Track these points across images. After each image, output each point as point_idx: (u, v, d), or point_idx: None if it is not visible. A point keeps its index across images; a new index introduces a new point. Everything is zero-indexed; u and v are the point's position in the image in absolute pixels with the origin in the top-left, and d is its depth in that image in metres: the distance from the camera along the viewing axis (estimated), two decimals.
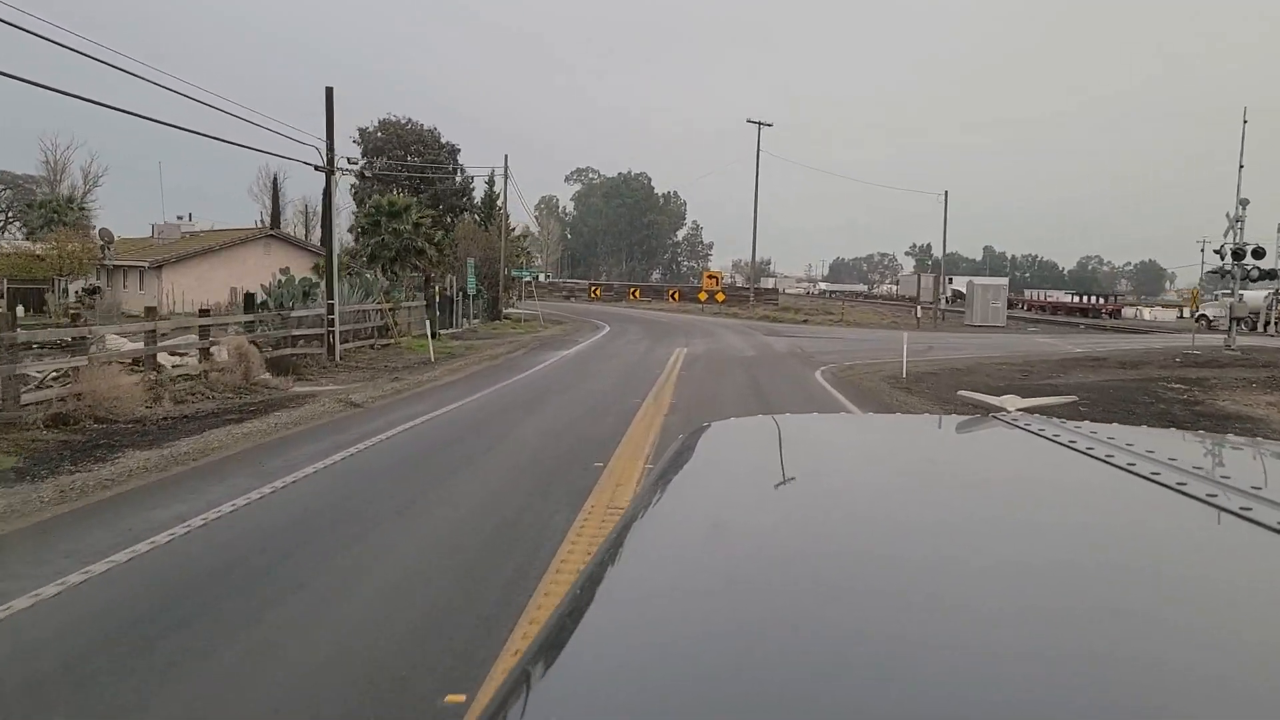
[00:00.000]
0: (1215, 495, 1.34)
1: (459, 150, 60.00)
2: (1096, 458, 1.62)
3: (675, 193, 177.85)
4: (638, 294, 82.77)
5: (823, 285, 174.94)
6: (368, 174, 27.39)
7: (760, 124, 69.22)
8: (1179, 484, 1.40)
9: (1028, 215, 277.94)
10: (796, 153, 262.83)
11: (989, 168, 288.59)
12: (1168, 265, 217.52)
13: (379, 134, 59.87)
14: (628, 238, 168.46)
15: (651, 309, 74.93)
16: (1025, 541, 1.31)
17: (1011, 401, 2.43)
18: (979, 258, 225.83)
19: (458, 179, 61.03)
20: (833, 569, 1.19)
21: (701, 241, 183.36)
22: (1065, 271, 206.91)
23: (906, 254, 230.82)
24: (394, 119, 60.32)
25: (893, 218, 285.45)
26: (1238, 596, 1.10)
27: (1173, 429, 2.29)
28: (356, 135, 60.73)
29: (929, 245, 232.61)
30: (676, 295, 77.00)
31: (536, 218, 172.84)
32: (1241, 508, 1.27)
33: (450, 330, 40.54)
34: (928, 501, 1.55)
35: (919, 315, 52.28)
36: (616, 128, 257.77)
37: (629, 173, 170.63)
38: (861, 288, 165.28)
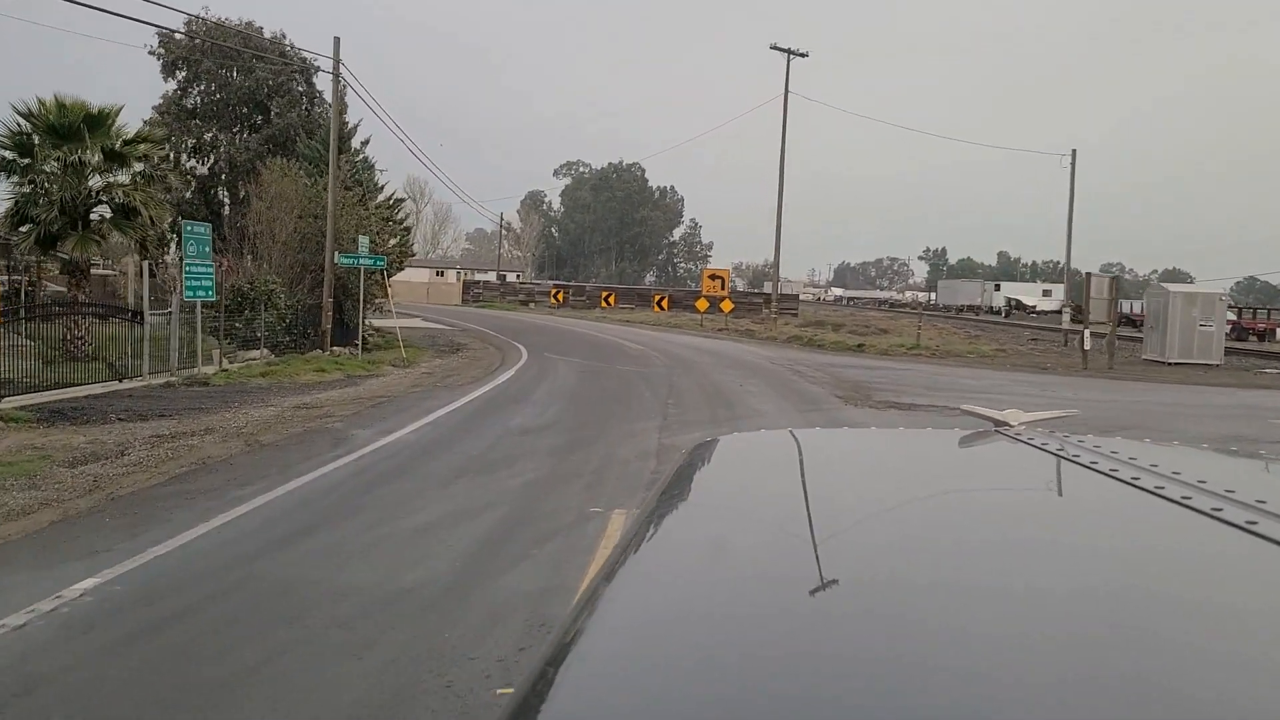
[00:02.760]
0: (1220, 510, 1.28)
1: (316, 69, 35.66)
2: (1100, 472, 1.57)
3: (672, 187, 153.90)
4: (613, 300, 58.51)
5: (837, 291, 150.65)
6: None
7: (790, 53, 45.06)
8: (1184, 498, 1.35)
9: (1043, 221, 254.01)
10: (803, 164, 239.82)
11: (1002, 173, 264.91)
12: (1198, 275, 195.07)
13: (195, 39, 35.57)
14: (618, 235, 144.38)
15: (628, 323, 50.71)
16: (1034, 560, 1.26)
17: (1014, 415, 2.22)
18: (994, 263, 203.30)
19: (313, 109, 36.73)
20: (836, 589, 1.13)
21: (700, 241, 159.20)
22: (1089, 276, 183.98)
23: (920, 258, 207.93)
24: (214, 19, 36.00)
25: (899, 221, 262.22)
26: (1243, 611, 1.08)
27: (1176, 443, 2.13)
28: (155, 45, 36.44)
29: (943, 249, 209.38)
30: (665, 303, 52.84)
31: (519, 213, 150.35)
32: (1247, 521, 1.24)
33: (80, 390, 16.35)
34: (934, 520, 1.49)
35: (1086, 345, 28.27)
36: (612, 120, 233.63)
37: (620, 163, 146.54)
38: (879, 294, 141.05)
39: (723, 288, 48.63)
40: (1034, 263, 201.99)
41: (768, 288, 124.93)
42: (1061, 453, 1.73)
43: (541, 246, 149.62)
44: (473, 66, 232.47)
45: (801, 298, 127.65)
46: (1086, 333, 28.41)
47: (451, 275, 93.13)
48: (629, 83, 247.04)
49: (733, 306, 48.39)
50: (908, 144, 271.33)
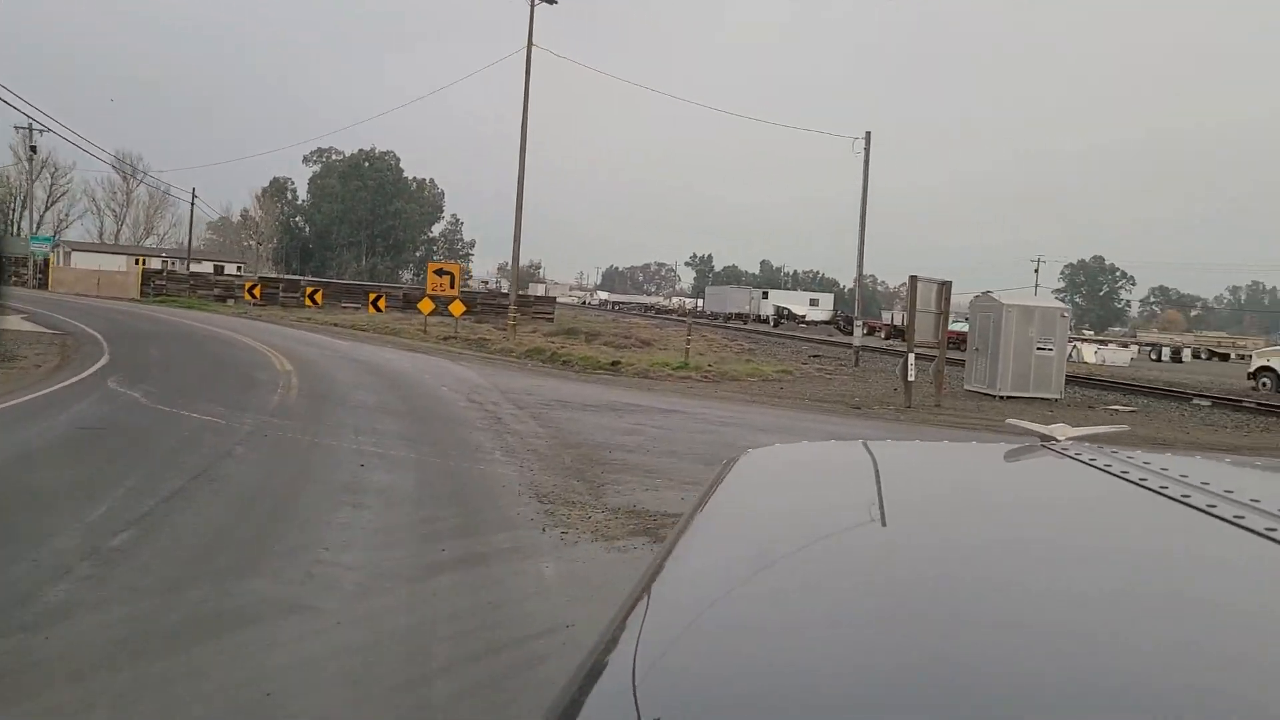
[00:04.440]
0: (1275, 530, 1.21)
1: None
2: (1150, 489, 1.49)
3: (431, 180, 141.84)
4: (320, 297, 46.93)
5: (602, 295, 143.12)
6: None
7: None
8: (1236, 517, 1.29)
9: (803, 230, 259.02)
10: (562, 161, 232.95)
11: (765, 183, 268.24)
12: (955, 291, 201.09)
13: None
14: (369, 228, 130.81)
15: (332, 326, 39.61)
16: (1079, 579, 1.19)
17: (1062, 430, 2.10)
18: (757, 271, 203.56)
19: None
20: (880, 612, 1.06)
21: (461, 238, 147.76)
22: (845, 290, 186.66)
23: (686, 264, 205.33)
24: None
25: (668, 227, 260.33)
26: None
27: (1227, 458, 2.05)
28: None
29: (710, 256, 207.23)
30: (382, 302, 41.98)
31: (258, 201, 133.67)
32: None
33: None
34: (978, 536, 1.41)
35: (909, 374, 20.29)
36: (369, 106, 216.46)
37: (372, 150, 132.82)
38: (646, 299, 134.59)
39: (451, 285, 38.55)
40: (795, 272, 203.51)
41: (535, 290, 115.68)
42: (1110, 469, 1.67)
43: (286, 238, 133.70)
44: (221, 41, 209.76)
45: (565, 301, 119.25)
46: (911, 358, 20.39)
47: (155, 263, 78.30)
48: (391, 70, 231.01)
49: (464, 309, 38.43)
50: (682, 138, 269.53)
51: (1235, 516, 1.29)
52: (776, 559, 1.26)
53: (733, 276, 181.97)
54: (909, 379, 20.43)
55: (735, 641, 0.98)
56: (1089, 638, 0.97)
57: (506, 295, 69.97)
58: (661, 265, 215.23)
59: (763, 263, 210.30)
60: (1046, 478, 1.83)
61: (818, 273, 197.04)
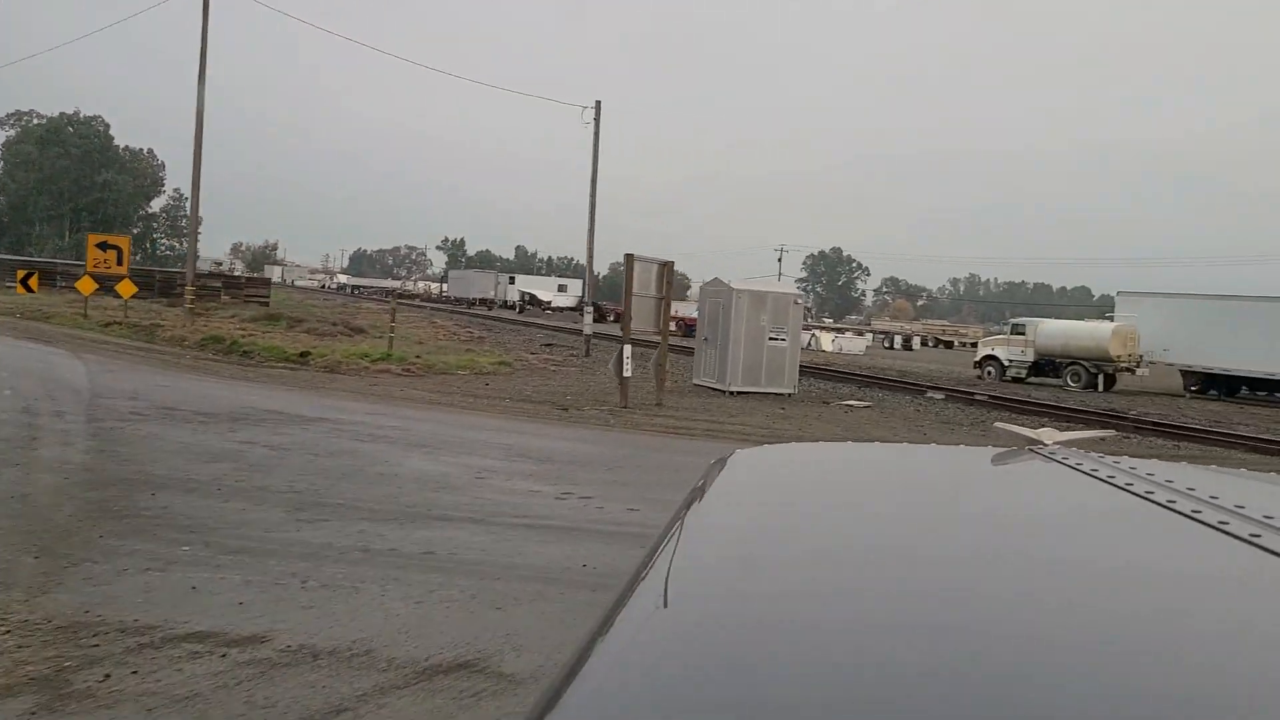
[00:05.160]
0: (1259, 535, 1.21)
1: None
2: (1136, 494, 1.49)
3: (150, 150, 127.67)
4: None
5: (343, 278, 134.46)
6: None
7: None
8: (1220, 523, 1.28)
9: (558, 216, 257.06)
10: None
11: (519, 168, 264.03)
12: (696, 277, 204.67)
13: None
14: (73, 200, 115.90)
15: None
16: (1061, 581, 1.19)
17: (1049, 434, 2.19)
18: (512, 257, 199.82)
19: None
20: (869, 616, 1.05)
21: (186, 215, 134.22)
22: (601, 277, 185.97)
23: (438, 248, 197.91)
24: None
25: (422, 210, 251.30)
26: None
27: (1213, 466, 2.00)
28: None
29: (462, 240, 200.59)
30: (34, 281, 35.05)
31: None
32: None
33: None
34: (970, 544, 1.38)
35: (624, 369, 17.27)
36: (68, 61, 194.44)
37: (76, 113, 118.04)
38: (390, 283, 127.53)
39: (119, 262, 32.45)
40: (550, 258, 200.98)
41: (271, 273, 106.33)
42: (1095, 473, 1.67)
43: None
44: None
45: (301, 283, 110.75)
46: (626, 351, 17.37)
47: None
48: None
49: (135, 289, 32.46)
50: (438, 119, 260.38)
51: (1220, 522, 1.29)
52: (764, 562, 1.23)
53: (486, 261, 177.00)
54: (624, 374, 17.41)
55: (720, 644, 0.95)
56: (1077, 641, 0.96)
57: (214, 277, 62.69)
58: (413, 249, 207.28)
59: (518, 248, 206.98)
60: (1034, 482, 1.84)
61: (571, 259, 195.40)
